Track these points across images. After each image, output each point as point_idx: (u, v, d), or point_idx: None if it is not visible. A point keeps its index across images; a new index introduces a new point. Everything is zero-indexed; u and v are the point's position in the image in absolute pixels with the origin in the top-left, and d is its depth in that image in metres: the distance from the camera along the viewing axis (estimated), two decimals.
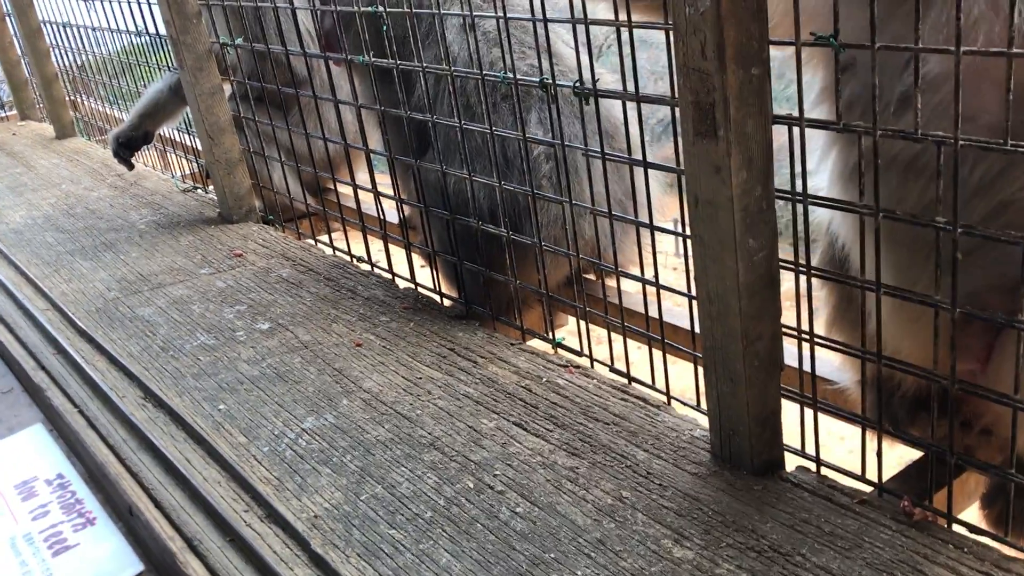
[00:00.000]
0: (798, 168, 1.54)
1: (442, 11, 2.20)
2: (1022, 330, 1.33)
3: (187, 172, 4.28)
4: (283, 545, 1.67)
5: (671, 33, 1.53)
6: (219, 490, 1.84)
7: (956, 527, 1.57)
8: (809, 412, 1.73)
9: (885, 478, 1.79)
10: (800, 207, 1.58)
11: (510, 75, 2.05)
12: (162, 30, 3.44)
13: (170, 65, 3.60)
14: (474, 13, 2.10)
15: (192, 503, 1.83)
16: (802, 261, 1.64)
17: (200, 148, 3.59)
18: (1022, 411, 1.38)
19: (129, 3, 3.80)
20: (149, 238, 3.39)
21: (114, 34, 4.21)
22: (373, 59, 2.45)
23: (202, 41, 3.24)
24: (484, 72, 2.13)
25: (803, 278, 1.64)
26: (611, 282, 2.43)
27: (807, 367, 1.71)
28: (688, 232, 1.66)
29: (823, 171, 1.79)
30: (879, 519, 1.56)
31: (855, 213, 1.51)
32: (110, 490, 1.98)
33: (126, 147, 3.73)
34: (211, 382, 2.27)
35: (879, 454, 1.65)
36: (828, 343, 1.68)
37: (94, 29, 4.48)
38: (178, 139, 4.38)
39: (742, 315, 1.61)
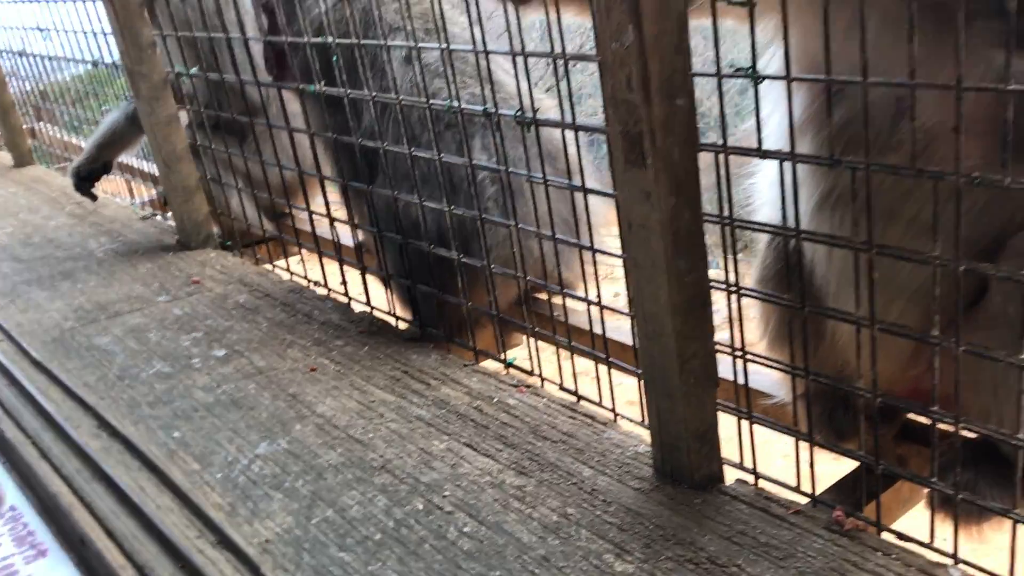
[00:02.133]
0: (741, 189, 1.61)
1: (388, 42, 2.25)
2: (936, 344, 1.40)
3: (146, 199, 4.29)
4: (234, 570, 1.70)
5: (600, 66, 1.59)
6: (172, 517, 1.86)
7: (885, 535, 1.63)
8: (747, 426, 1.78)
9: (829, 489, 1.86)
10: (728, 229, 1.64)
11: (455, 103, 2.11)
12: (118, 59, 3.48)
13: (126, 94, 3.63)
14: (418, 44, 2.15)
15: (144, 531, 1.85)
16: (734, 281, 1.70)
17: (158, 175, 3.62)
18: (937, 419, 1.44)
19: (85, 34, 3.82)
20: (107, 266, 3.40)
21: (71, 63, 4.22)
22: (323, 88, 2.50)
23: (157, 71, 3.27)
24: (430, 101, 2.19)
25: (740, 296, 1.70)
26: (561, 300, 2.48)
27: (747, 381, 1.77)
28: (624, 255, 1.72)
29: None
30: (812, 529, 1.62)
31: (828, 245, 1.57)
32: (62, 521, 2.00)
33: (86, 180, 3.75)
34: (166, 410, 2.29)
35: (812, 465, 1.71)
36: (759, 359, 1.74)
37: (51, 58, 4.50)
38: (137, 166, 4.39)
39: (676, 334, 1.67)
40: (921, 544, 1.58)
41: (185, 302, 2.98)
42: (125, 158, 4.07)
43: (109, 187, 4.52)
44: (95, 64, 3.93)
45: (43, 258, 3.57)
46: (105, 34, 3.52)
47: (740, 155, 1.56)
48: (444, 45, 2.06)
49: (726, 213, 1.63)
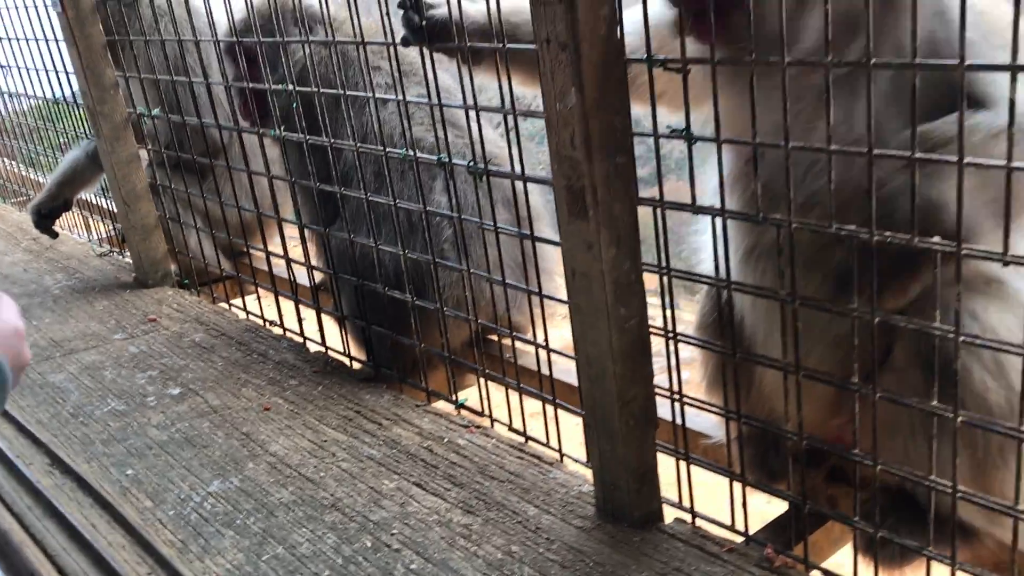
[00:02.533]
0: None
1: (347, 92, 2.33)
2: (856, 391, 1.49)
3: (104, 236, 4.30)
4: None
5: (546, 124, 1.68)
6: (123, 554, 1.89)
7: (814, 572, 1.71)
8: (685, 466, 1.86)
9: (763, 528, 1.94)
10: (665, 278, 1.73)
11: (411, 152, 2.19)
12: (73, 95, 3.52)
13: (87, 131, 3.67)
14: (376, 96, 2.24)
15: (95, 568, 1.87)
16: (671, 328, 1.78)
17: (116, 213, 3.65)
18: (857, 462, 1.54)
19: (47, 72, 3.86)
20: (63, 303, 3.41)
21: (29, 99, 4.26)
22: (284, 132, 2.57)
23: (119, 111, 3.32)
24: (387, 149, 2.27)
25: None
26: (510, 342, 2.55)
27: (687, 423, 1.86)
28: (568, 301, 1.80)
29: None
30: (744, 566, 1.70)
31: (758, 296, 1.67)
32: (13, 558, 2.01)
33: (47, 217, 3.77)
34: (120, 448, 2.32)
35: (744, 505, 1.79)
36: (695, 402, 1.82)
37: (9, 95, 4.52)
38: (95, 203, 4.41)
39: (617, 377, 1.75)
40: None
41: (141, 340, 3.01)
42: (83, 194, 4.09)
43: (65, 222, 4.52)
44: (55, 101, 3.96)
45: None
46: (68, 73, 3.56)
47: (675, 210, 1.66)
48: (401, 97, 2.14)
49: (664, 263, 1.71)
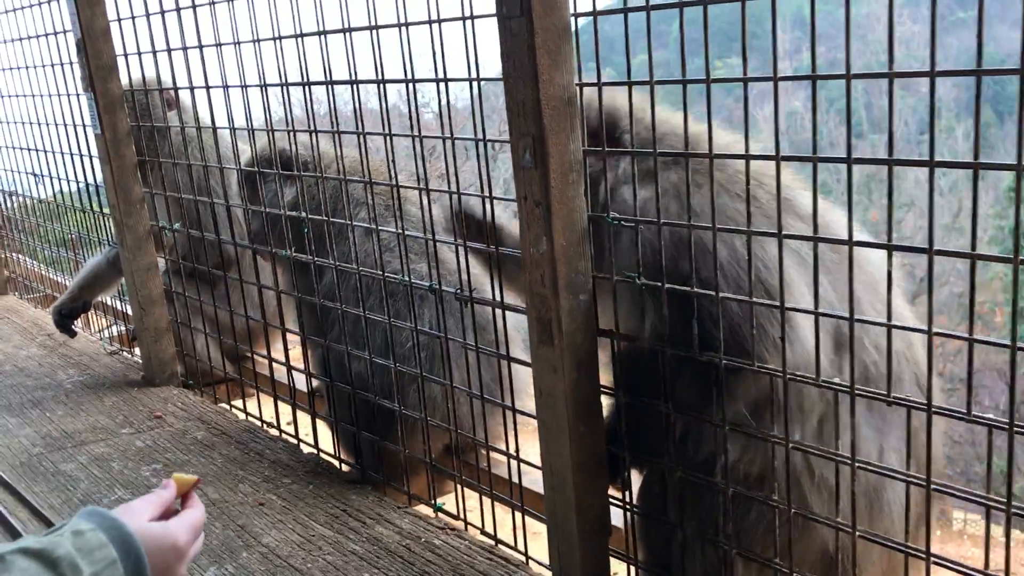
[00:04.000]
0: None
1: (353, 222, 2.65)
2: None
3: (114, 335, 4.57)
4: None
5: (522, 264, 1.98)
6: None
7: None
8: (634, 570, 2.09)
9: None
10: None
11: (406, 278, 2.49)
12: (105, 208, 3.86)
13: (109, 238, 3.99)
14: (378, 227, 2.55)
15: None
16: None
17: (129, 314, 3.93)
18: None
19: (78, 183, 4.21)
20: (75, 397, 3.65)
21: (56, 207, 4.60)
22: (293, 253, 2.87)
23: (143, 224, 3.64)
24: (384, 273, 2.57)
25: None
26: (486, 453, 2.79)
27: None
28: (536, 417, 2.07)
29: None
30: None
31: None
32: None
33: (68, 317, 4.05)
34: None
35: None
36: (647, 512, 2.07)
37: (40, 200, 4.87)
38: (109, 304, 4.69)
39: (575, 487, 2.00)
40: None
41: (147, 435, 3.24)
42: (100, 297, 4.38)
43: (79, 320, 4.79)
44: (83, 211, 4.31)
45: (13, 386, 3.82)
46: (98, 186, 3.90)
47: (626, 341, 1.94)
48: (400, 230, 2.46)
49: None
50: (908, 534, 1.62)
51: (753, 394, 1.79)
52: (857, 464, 1.60)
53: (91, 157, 3.90)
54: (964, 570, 1.50)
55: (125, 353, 4.26)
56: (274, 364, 3.25)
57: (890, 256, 1.49)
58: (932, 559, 1.54)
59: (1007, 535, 1.46)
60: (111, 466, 2.99)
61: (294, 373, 3.14)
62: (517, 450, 2.35)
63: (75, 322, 4.15)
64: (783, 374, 1.67)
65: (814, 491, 1.79)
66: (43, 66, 4.17)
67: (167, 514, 1.43)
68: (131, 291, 3.72)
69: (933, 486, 1.51)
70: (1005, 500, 1.41)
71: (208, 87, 3.06)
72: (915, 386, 1.84)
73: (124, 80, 3.50)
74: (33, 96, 4.45)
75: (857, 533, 1.63)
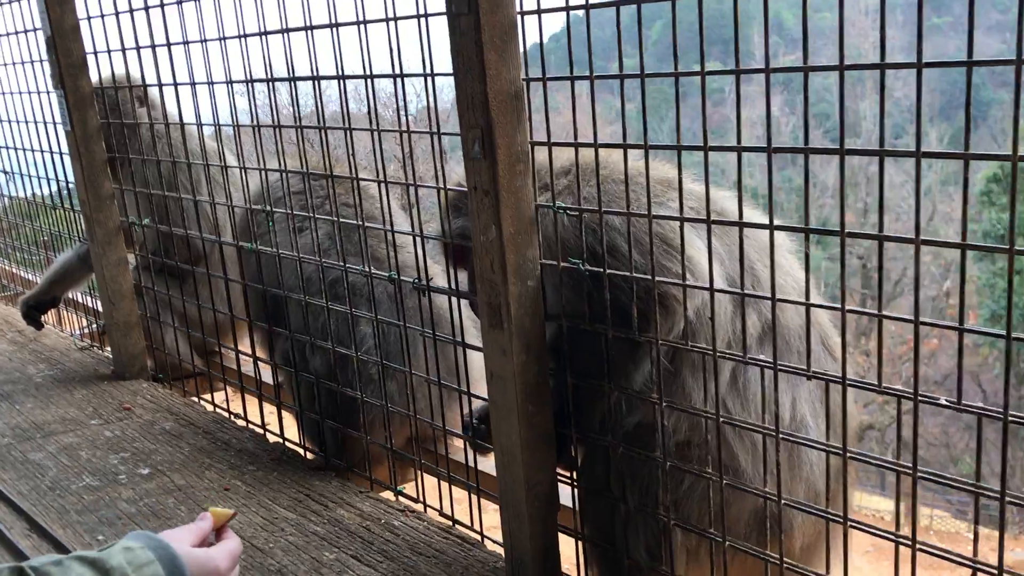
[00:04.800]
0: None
1: (316, 215, 2.73)
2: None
3: (85, 331, 4.61)
4: None
5: (473, 252, 2.08)
6: None
7: None
8: (582, 545, 2.18)
9: None
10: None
11: (365, 269, 2.57)
12: (76, 205, 3.91)
13: (80, 234, 4.04)
14: (339, 219, 2.64)
15: None
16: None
17: (100, 310, 3.98)
18: None
19: (48, 181, 4.26)
20: (45, 391, 3.71)
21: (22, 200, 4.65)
22: (259, 247, 2.95)
23: (113, 219, 3.70)
24: (346, 265, 2.65)
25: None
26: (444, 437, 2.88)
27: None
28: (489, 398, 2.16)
29: None
30: None
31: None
32: None
33: (36, 309, 4.10)
34: (93, 517, 2.60)
35: None
36: (591, 488, 2.16)
37: (10, 198, 4.91)
38: (80, 301, 4.74)
39: (524, 465, 2.09)
40: None
41: (116, 426, 3.30)
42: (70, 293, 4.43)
43: (50, 317, 4.84)
44: (54, 207, 4.36)
45: None
46: (69, 184, 3.96)
47: (574, 327, 2.04)
48: (361, 222, 2.54)
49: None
50: (828, 489, 1.71)
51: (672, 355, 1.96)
52: (781, 436, 1.70)
53: (61, 154, 3.96)
54: (879, 533, 1.61)
55: (96, 349, 4.31)
56: (241, 357, 3.33)
57: (807, 239, 1.60)
58: (849, 523, 1.65)
59: (1000, 524, 1.50)
60: (79, 455, 3.05)
61: (261, 365, 3.21)
62: (474, 433, 2.44)
63: (43, 316, 4.20)
64: (713, 352, 1.77)
65: (739, 442, 1.91)
66: (12, 64, 4.23)
67: (203, 544, 1.53)
68: (101, 286, 3.78)
69: (849, 454, 1.62)
70: (911, 468, 1.52)
71: (176, 84, 3.13)
72: (819, 344, 2.00)
73: (94, 77, 3.56)
74: (3, 94, 4.49)
75: (783, 502, 1.73)
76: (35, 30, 3.78)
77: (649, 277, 1.84)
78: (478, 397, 2.37)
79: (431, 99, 2.17)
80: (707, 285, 1.76)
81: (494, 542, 2.42)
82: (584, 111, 1.96)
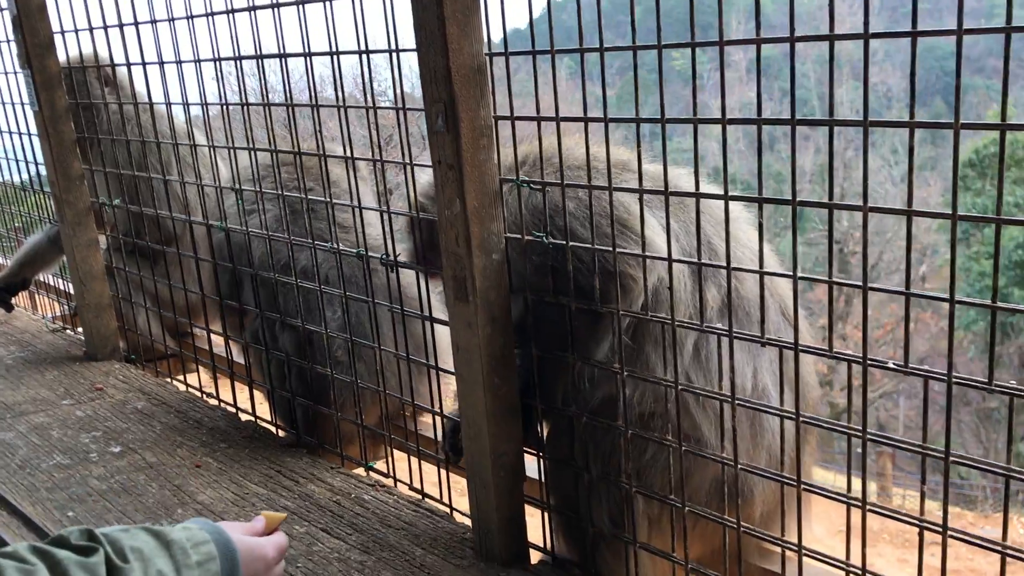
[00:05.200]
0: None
1: (284, 192, 2.74)
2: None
3: (57, 314, 4.60)
4: None
5: (438, 226, 2.10)
6: None
7: None
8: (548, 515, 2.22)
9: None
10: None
11: (334, 246, 2.59)
12: (45, 186, 3.90)
13: (51, 217, 4.03)
14: (307, 196, 2.65)
15: None
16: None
17: (72, 292, 3.97)
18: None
19: (18, 163, 4.24)
20: (16, 372, 3.70)
21: None
22: (228, 226, 2.96)
23: (83, 200, 3.69)
24: (315, 242, 2.66)
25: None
26: (412, 412, 2.91)
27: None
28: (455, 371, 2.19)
29: None
30: None
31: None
32: None
33: (5, 291, 4.08)
34: (63, 494, 2.61)
35: (592, 548, 2.15)
36: (557, 460, 2.20)
37: None
38: (52, 283, 4.72)
39: (490, 436, 2.12)
40: None
41: (87, 406, 3.31)
42: (41, 276, 4.41)
43: (23, 300, 4.82)
44: (23, 189, 4.33)
45: None
46: (37, 164, 3.94)
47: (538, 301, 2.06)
48: (328, 199, 2.56)
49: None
50: (783, 453, 1.75)
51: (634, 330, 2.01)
52: (738, 402, 1.74)
53: (30, 135, 3.93)
54: (829, 494, 1.65)
55: (68, 331, 4.30)
56: (214, 337, 3.33)
57: (760, 208, 1.63)
58: (803, 487, 1.69)
59: (1005, 497, 1.54)
60: (50, 434, 3.05)
61: (233, 345, 3.22)
62: (441, 407, 2.47)
63: (14, 298, 4.18)
64: (672, 322, 1.81)
65: (701, 413, 1.95)
66: None
67: None
68: (72, 267, 3.77)
69: (803, 419, 1.66)
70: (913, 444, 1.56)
71: (144, 64, 3.13)
72: (779, 315, 2.05)
73: (61, 57, 3.55)
74: None
75: (740, 466, 1.77)
76: (1, 9, 3.75)
77: (605, 249, 1.88)
78: (446, 371, 2.39)
79: (396, 74, 2.18)
80: (659, 262, 1.80)
81: (463, 514, 2.45)
82: (555, 93, 1.98)
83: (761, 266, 1.68)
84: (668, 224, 1.82)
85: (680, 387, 1.83)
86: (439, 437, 2.52)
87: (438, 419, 2.49)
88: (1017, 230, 21.87)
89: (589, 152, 1.92)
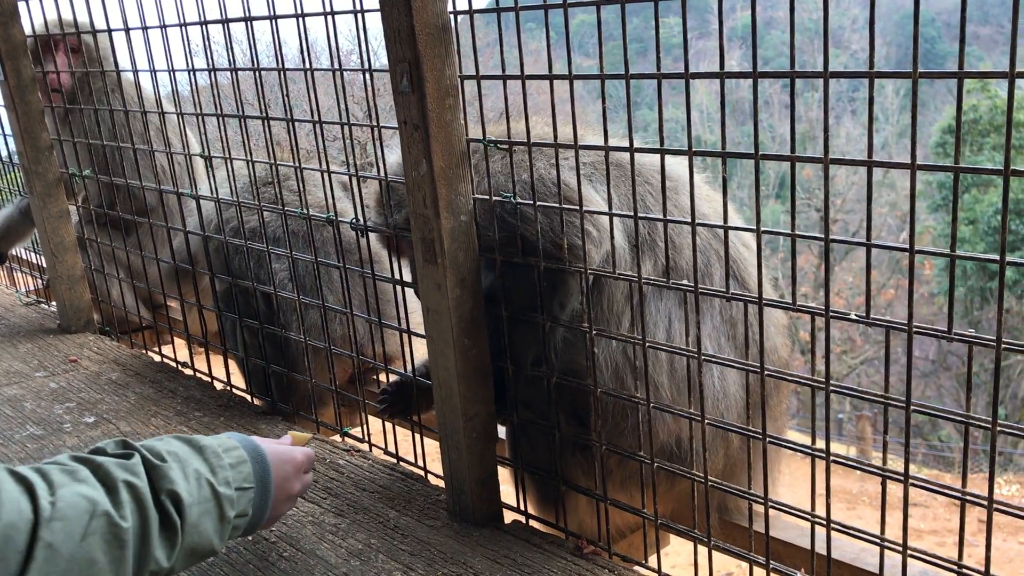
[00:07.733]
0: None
1: (253, 158, 2.72)
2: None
3: (31, 288, 4.57)
4: None
5: (406, 188, 2.09)
6: None
7: (614, 558, 2.08)
8: (520, 475, 2.23)
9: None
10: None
11: (305, 211, 2.58)
12: (14, 158, 3.85)
13: (20, 189, 3.98)
14: (276, 163, 2.63)
15: None
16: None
17: (44, 265, 3.94)
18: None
19: None
20: None
21: None
22: (199, 194, 2.94)
23: (52, 171, 3.65)
24: (285, 208, 2.65)
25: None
26: (384, 377, 2.91)
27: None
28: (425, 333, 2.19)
29: None
30: (559, 553, 2.07)
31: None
32: None
33: None
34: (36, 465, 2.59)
35: (563, 506, 2.17)
36: (529, 422, 2.21)
37: None
38: (24, 257, 4.68)
39: (462, 397, 2.13)
40: (637, 563, 2.04)
41: (61, 378, 3.29)
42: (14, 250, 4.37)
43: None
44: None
45: None
46: (6, 136, 3.89)
47: (509, 261, 2.06)
48: (297, 164, 2.54)
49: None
50: (748, 408, 1.77)
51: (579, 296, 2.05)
52: (704, 358, 1.75)
53: None
54: (795, 447, 1.67)
55: (42, 305, 4.27)
56: (186, 306, 3.32)
57: (724, 163, 1.63)
58: (769, 440, 1.71)
59: (965, 444, 1.58)
60: (24, 406, 3.04)
61: (207, 314, 3.21)
62: (414, 371, 2.47)
63: None
64: (638, 279, 1.81)
65: (656, 368, 1.99)
66: None
67: None
68: (43, 239, 3.74)
69: (766, 372, 1.67)
70: (891, 398, 1.58)
71: (110, 30, 3.08)
72: (734, 280, 2.06)
73: (27, 26, 3.49)
74: None
75: (707, 422, 1.79)
76: None
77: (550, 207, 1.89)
78: (416, 334, 2.39)
79: (362, 35, 2.16)
80: (608, 238, 1.81)
81: (437, 476, 2.46)
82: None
83: (725, 222, 1.68)
84: (610, 194, 1.86)
85: (648, 344, 1.84)
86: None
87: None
88: (995, 195, 22.04)
89: (555, 110, 1.91)
